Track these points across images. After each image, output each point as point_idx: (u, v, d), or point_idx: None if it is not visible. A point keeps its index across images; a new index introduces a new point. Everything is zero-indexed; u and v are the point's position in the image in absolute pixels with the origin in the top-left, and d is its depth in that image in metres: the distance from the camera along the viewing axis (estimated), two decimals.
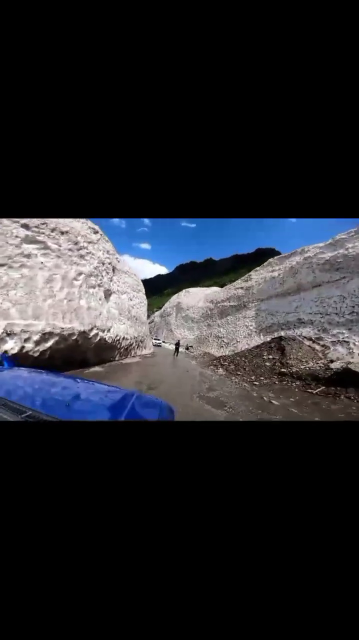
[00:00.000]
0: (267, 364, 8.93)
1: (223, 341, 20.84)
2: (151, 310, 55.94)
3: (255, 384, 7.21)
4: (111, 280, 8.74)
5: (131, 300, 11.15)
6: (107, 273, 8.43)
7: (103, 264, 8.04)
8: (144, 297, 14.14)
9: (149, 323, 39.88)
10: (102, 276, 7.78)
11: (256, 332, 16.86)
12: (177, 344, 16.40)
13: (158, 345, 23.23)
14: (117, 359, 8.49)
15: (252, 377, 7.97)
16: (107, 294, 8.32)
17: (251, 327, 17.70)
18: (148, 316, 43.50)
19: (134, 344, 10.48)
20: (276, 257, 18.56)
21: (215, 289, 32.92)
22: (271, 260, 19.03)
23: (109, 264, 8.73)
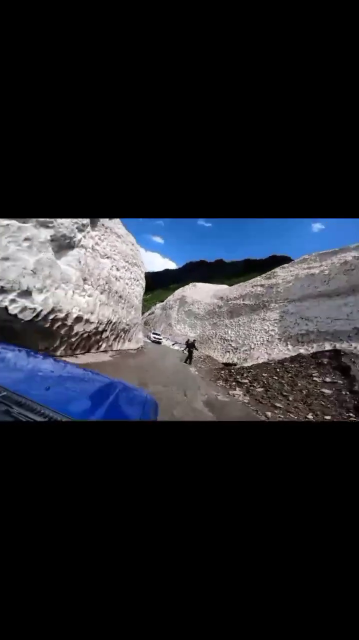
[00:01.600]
0: (327, 390, 5.30)
1: (231, 345, 17.26)
2: (153, 303, 52.42)
3: None
4: (79, 230, 5.20)
5: (117, 270, 7.58)
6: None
7: None
8: (142, 275, 10.59)
9: (149, 314, 36.30)
10: None
11: (280, 339, 13.20)
12: (191, 346, 11.09)
13: (157, 342, 18.85)
14: (61, 353, 4.77)
15: (310, 416, 4.35)
16: (63, 241, 4.74)
17: (273, 333, 14.05)
18: (148, 308, 39.74)
19: (107, 333, 6.89)
20: (314, 253, 15.00)
21: (226, 286, 29.07)
22: (306, 256, 15.49)
23: None
